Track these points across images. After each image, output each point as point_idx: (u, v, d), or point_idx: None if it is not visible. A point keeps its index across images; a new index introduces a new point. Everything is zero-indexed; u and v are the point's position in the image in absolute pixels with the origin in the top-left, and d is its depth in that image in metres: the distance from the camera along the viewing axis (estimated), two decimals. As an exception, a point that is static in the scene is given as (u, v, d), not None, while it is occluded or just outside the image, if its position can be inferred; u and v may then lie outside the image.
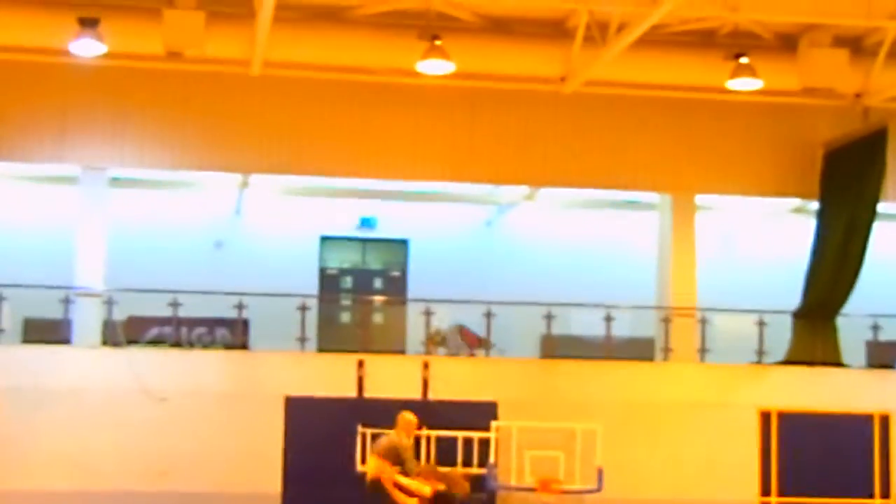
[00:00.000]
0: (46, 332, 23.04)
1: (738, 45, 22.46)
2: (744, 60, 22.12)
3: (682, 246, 24.73)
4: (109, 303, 22.87)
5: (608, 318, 23.90)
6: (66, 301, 22.89)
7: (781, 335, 24.52)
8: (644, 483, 22.79)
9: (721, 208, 26.52)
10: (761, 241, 27.19)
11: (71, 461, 21.64)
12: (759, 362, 24.30)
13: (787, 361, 24.43)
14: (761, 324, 24.25)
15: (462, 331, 24.64)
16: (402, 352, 24.59)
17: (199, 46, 20.56)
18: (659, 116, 24.68)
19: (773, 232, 27.16)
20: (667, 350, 24.31)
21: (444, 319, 24.42)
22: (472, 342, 24.48)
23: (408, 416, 18.94)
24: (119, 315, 22.98)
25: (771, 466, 23.24)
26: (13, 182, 25.12)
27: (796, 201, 26.27)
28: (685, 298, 24.47)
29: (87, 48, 21.05)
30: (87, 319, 22.84)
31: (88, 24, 20.69)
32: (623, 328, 24.31)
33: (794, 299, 24.69)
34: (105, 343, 22.72)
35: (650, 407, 23.23)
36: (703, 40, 22.85)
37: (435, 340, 24.21)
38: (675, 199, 24.94)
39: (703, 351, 24.40)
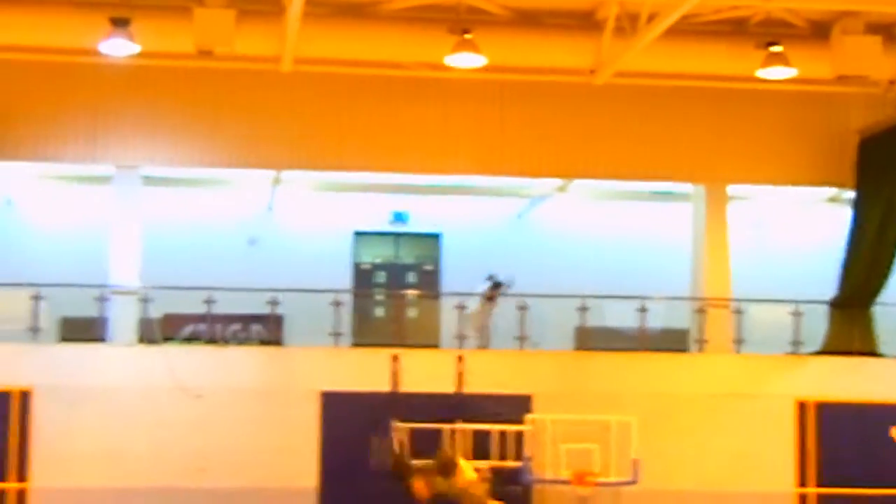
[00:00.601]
0: (83, 330, 23.19)
1: (770, 33, 22.33)
2: (776, 49, 21.98)
3: (715, 236, 24.65)
4: (145, 300, 22.99)
5: (642, 310, 23.84)
6: (102, 299, 23.02)
7: (817, 325, 24.40)
8: (680, 474, 22.75)
9: (755, 198, 26.39)
10: (796, 230, 27.07)
11: (108, 458, 21.79)
12: (795, 352, 24.18)
13: (824, 351, 24.31)
14: (797, 314, 24.13)
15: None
16: (437, 346, 24.61)
17: (230, 44, 20.61)
18: (691, 106, 24.59)
19: (808, 221, 27.05)
20: (701, 341, 24.23)
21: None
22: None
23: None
24: (154, 312, 23.11)
25: (808, 457, 23.17)
26: (48, 182, 25.30)
27: (831, 190, 26.11)
28: (720, 289, 24.39)
29: (118, 48, 21.14)
30: (122, 317, 22.99)
31: (120, 23, 20.78)
32: (657, 319, 24.26)
33: (829, 289, 24.56)
34: (141, 341, 22.85)
35: (685, 398, 23.16)
36: (735, 29, 22.73)
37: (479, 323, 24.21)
38: (709, 189, 24.85)
39: (738, 342, 24.32)
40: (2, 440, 21.66)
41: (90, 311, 23.05)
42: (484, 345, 24.04)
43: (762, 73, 22.31)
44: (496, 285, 24.38)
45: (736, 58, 22.64)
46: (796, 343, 24.20)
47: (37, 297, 22.67)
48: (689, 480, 22.82)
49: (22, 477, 21.69)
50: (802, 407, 23.32)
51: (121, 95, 23.29)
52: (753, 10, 22.12)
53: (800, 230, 27.05)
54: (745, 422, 23.19)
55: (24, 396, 21.82)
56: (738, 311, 24.31)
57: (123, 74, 22.87)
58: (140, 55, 21.54)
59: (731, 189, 25.01)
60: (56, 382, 21.92)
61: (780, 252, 26.66)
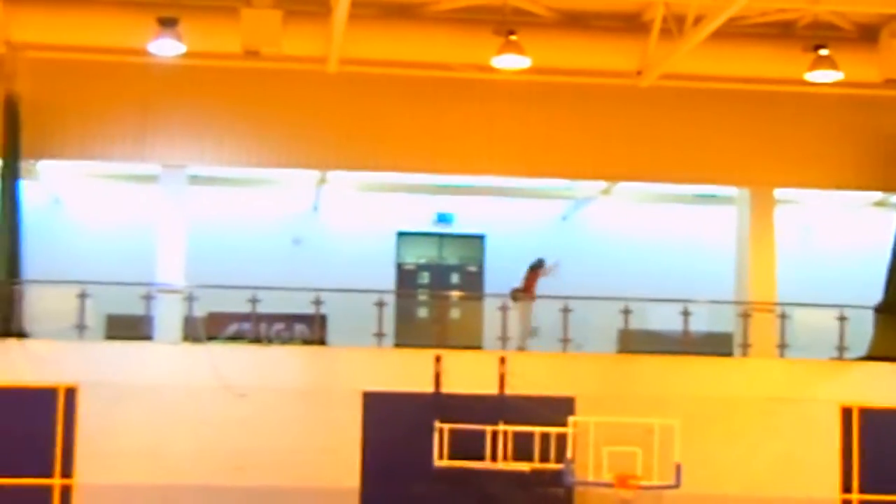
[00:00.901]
0: (128, 328, 23.38)
1: (817, 36, 22.24)
2: (823, 52, 21.89)
3: (760, 240, 24.53)
4: (190, 299, 23.12)
5: (686, 313, 23.76)
6: (148, 298, 23.17)
7: (863, 330, 24.22)
8: (723, 479, 22.64)
9: (800, 202, 26.24)
10: (842, 234, 26.89)
11: (151, 455, 21.93)
12: (840, 358, 24.01)
13: (869, 357, 24.11)
14: (842, 318, 23.96)
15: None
16: (479, 347, 24.61)
17: (277, 44, 20.74)
18: (736, 109, 24.48)
19: (854, 225, 26.86)
20: (745, 345, 24.11)
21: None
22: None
23: None
24: (199, 311, 23.24)
25: (852, 463, 23.01)
26: (95, 181, 25.48)
27: (877, 194, 25.92)
28: (764, 293, 24.27)
29: (166, 48, 21.31)
30: (168, 316, 23.13)
31: (168, 24, 20.95)
32: (701, 323, 24.17)
33: (875, 293, 24.38)
34: (185, 339, 22.99)
35: (729, 402, 23.05)
36: (782, 32, 22.63)
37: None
38: (754, 192, 24.74)
39: (782, 346, 24.18)
40: (48, 436, 21.83)
41: (136, 308, 23.22)
42: (523, 345, 24.01)
43: (809, 77, 22.19)
44: (538, 263, 24.37)
45: (782, 61, 22.56)
46: (841, 348, 24.03)
47: (83, 295, 22.84)
48: (732, 485, 22.71)
49: (67, 473, 21.85)
50: (847, 412, 23.16)
51: (168, 95, 23.44)
52: (800, 13, 22.02)
53: (846, 234, 26.88)
54: (788, 427, 23.06)
55: (70, 393, 21.99)
56: (783, 316, 24.17)
57: (171, 74, 23.01)
58: (187, 55, 21.71)
59: (777, 192, 24.87)
60: (101, 379, 22.07)
61: (826, 256, 26.51)
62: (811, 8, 21.47)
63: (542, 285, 24.48)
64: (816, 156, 24.73)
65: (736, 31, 21.87)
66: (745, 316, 24.21)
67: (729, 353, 24.40)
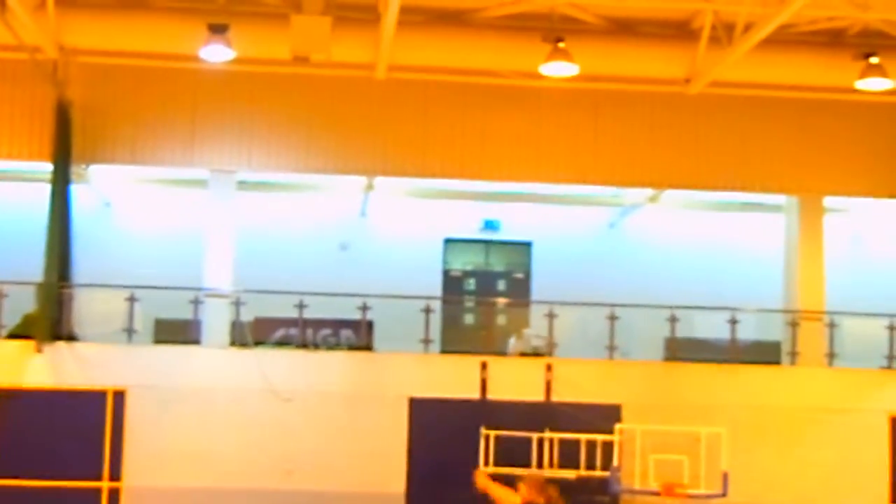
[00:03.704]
0: (177, 332, 23.50)
1: (867, 44, 22.08)
2: (874, 60, 21.72)
3: (809, 248, 24.39)
4: (237, 304, 23.21)
5: (733, 321, 23.64)
6: (196, 302, 23.28)
7: (913, 339, 24.07)
8: (770, 489, 22.51)
9: (850, 210, 26.09)
10: (891, 243, 26.70)
11: (199, 459, 22.05)
12: (889, 367, 23.84)
13: (919, 366, 23.96)
14: (892, 328, 23.80)
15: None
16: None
17: (326, 51, 20.78)
18: (785, 117, 24.38)
19: (904, 234, 26.68)
20: (794, 354, 23.98)
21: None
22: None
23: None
24: (247, 316, 23.32)
25: (902, 473, 22.84)
26: (145, 185, 25.68)
27: (928, 203, 25.75)
28: (813, 301, 24.13)
29: (216, 54, 21.41)
30: (215, 320, 23.23)
31: (218, 30, 21.05)
32: (748, 331, 24.06)
33: (925, 303, 24.23)
34: (233, 343, 23.08)
35: (777, 411, 22.94)
36: (832, 40, 22.50)
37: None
38: (803, 200, 24.60)
39: (831, 355, 24.03)
40: (97, 439, 21.98)
41: (184, 313, 23.32)
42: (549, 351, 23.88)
43: (859, 85, 22.05)
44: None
45: (832, 68, 22.41)
46: (891, 357, 23.86)
47: (132, 299, 22.98)
48: (780, 495, 22.58)
49: (115, 476, 22.00)
50: (896, 422, 23.03)
51: (217, 101, 23.58)
52: (850, 21, 21.89)
53: (895, 243, 26.66)
54: (837, 436, 22.92)
55: (119, 396, 22.15)
56: (832, 325, 24.02)
57: (220, 80, 23.18)
58: (237, 61, 21.82)
59: (827, 201, 24.74)
60: (150, 383, 22.23)
61: (876, 265, 26.33)
62: (861, 16, 21.34)
63: (589, 292, 24.40)
64: (865, 164, 24.57)
65: (785, 39, 21.75)
66: (794, 325, 24.08)
67: (777, 362, 24.27)
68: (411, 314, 23.32)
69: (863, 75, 21.89)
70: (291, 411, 22.26)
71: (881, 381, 23.59)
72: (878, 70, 21.74)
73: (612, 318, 23.57)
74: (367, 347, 23.71)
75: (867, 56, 21.79)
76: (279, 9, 21.40)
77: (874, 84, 21.98)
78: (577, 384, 22.39)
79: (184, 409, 22.18)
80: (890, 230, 26.81)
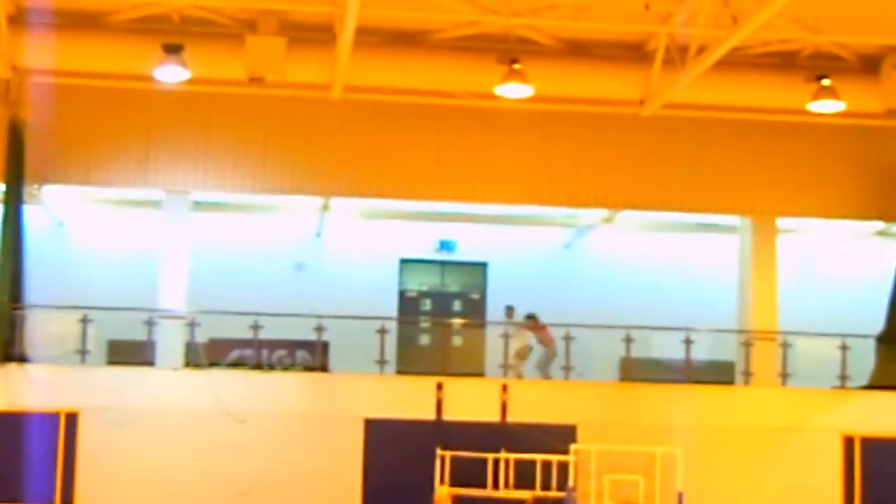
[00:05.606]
0: (130, 353, 23.37)
1: (819, 66, 22.32)
2: (826, 82, 21.96)
3: (762, 269, 24.55)
4: (192, 325, 23.13)
5: (688, 342, 23.76)
6: (150, 323, 23.17)
7: (865, 359, 24.22)
8: (725, 508, 22.60)
9: (802, 231, 26.28)
10: (843, 264, 26.92)
11: (153, 481, 21.91)
12: (842, 387, 24.01)
13: (871, 386, 24.12)
14: (844, 348, 23.97)
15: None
16: (481, 374, 24.62)
17: (281, 71, 20.79)
18: (739, 139, 24.55)
19: (856, 255, 26.89)
20: (747, 374, 24.11)
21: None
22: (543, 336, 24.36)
23: None
24: (201, 337, 23.25)
25: (854, 492, 22.96)
26: (98, 206, 25.51)
27: (879, 224, 25.98)
28: (766, 321, 24.28)
29: (171, 74, 21.38)
30: (169, 341, 23.12)
31: (172, 50, 21.02)
32: (703, 352, 24.16)
33: (877, 323, 24.39)
34: (187, 365, 22.98)
35: (731, 431, 23.05)
36: (785, 62, 22.70)
37: (522, 355, 24.21)
38: (756, 221, 24.77)
39: (784, 375, 24.18)
40: (49, 461, 21.80)
41: (138, 334, 23.21)
42: (519, 374, 23.99)
43: (812, 107, 22.25)
44: (530, 317, 24.42)
45: (785, 90, 22.62)
46: (843, 377, 24.03)
47: (85, 320, 22.87)
48: (734, 514, 22.69)
49: (67, 499, 21.81)
50: (849, 441, 23.14)
51: (172, 121, 23.50)
52: (803, 44, 22.10)
53: (847, 263, 26.91)
54: (790, 456, 23.05)
55: (71, 418, 21.99)
56: (785, 345, 24.18)
57: (175, 100, 23.10)
58: (192, 81, 21.79)
59: (780, 222, 24.92)
60: (103, 405, 22.08)
61: (828, 285, 26.53)
62: (813, 38, 21.55)
63: (545, 312, 24.48)
64: (818, 185, 24.78)
65: (738, 61, 21.94)
66: (747, 345, 24.22)
67: (731, 382, 24.40)
68: (367, 335, 23.30)
69: (815, 97, 22.11)
70: (246, 433, 22.17)
71: (834, 400, 23.75)
72: (830, 92, 21.96)
73: (568, 338, 23.64)
74: (323, 368, 23.66)
75: (819, 78, 22.02)
76: (234, 29, 21.37)
77: (826, 106, 22.21)
78: (533, 404, 22.43)
79: (137, 431, 22.05)
80: (842, 251, 27.01)
